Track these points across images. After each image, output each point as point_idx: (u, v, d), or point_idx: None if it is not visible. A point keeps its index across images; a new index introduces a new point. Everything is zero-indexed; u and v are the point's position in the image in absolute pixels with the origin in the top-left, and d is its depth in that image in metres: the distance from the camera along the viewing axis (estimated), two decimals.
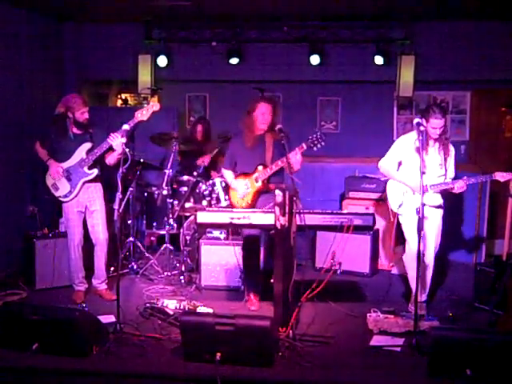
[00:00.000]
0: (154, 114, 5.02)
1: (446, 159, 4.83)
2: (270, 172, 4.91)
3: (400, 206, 4.97)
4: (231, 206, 5.18)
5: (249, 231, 5.05)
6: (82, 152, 5.15)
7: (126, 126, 4.80)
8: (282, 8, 6.70)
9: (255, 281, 5.17)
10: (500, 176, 4.77)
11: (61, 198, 5.20)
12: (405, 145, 4.94)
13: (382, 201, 6.15)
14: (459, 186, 4.75)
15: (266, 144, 4.98)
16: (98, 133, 5.19)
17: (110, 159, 5.12)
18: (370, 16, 7.10)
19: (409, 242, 4.96)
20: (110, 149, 5.01)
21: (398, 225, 5.09)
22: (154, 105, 4.97)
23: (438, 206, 4.84)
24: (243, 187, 5.03)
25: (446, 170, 4.85)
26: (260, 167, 4.97)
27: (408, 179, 4.91)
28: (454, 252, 6.61)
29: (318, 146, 4.70)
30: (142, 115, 4.91)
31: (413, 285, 4.88)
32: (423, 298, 5.02)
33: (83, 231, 5.32)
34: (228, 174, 5.17)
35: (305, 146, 4.69)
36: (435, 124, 4.66)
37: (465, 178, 4.79)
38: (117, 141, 4.87)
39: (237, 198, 5.07)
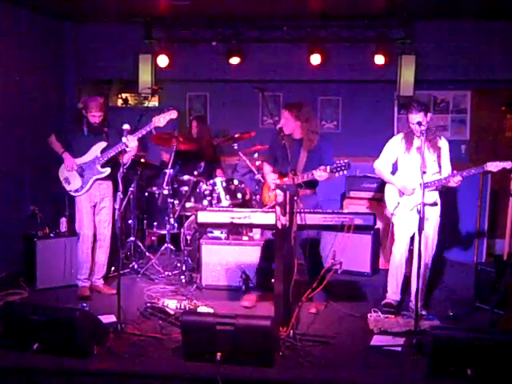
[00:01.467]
0: (155, 114, 5.10)
1: (439, 156, 4.83)
2: (295, 181, 4.72)
3: (396, 207, 4.97)
4: (262, 200, 5.26)
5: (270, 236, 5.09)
6: (96, 150, 5.26)
7: (126, 126, 4.82)
8: (282, 8, 6.69)
9: (263, 281, 5.21)
10: (492, 166, 4.66)
11: (71, 193, 5.34)
12: (394, 145, 4.96)
13: (382, 200, 6.15)
14: (456, 181, 4.70)
15: (301, 152, 4.97)
16: (112, 133, 5.28)
17: (125, 159, 5.16)
18: (370, 16, 7.10)
19: (396, 244, 4.99)
20: (124, 150, 5.05)
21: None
22: (172, 112, 5.08)
23: (433, 204, 4.82)
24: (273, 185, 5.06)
25: (440, 167, 4.84)
26: (290, 174, 4.92)
27: (397, 180, 4.92)
28: (455, 251, 6.61)
29: (341, 173, 4.63)
30: (159, 122, 5.04)
31: (389, 283, 5.07)
32: (397, 297, 5.06)
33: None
34: (266, 169, 5.23)
35: (328, 170, 4.63)
36: (411, 119, 4.71)
37: (455, 171, 4.77)
38: (133, 143, 4.96)
39: (267, 195, 5.15)
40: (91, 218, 5.38)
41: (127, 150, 4.95)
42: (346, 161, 4.56)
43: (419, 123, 4.59)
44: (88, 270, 5.41)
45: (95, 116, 5.18)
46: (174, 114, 5.08)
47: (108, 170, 5.28)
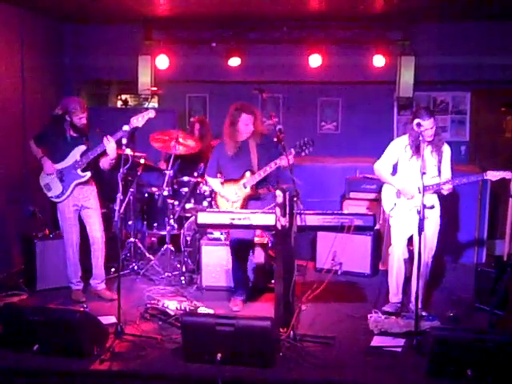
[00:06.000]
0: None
1: (440, 161, 4.83)
2: (259, 177, 4.94)
3: (392, 209, 4.96)
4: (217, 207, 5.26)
5: (237, 235, 5.11)
6: (76, 154, 5.17)
7: (126, 127, 4.80)
8: (282, 9, 6.70)
9: (243, 283, 5.26)
10: (492, 175, 4.66)
11: (53, 199, 5.25)
12: (398, 147, 4.95)
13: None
14: (447, 188, 4.73)
15: (250, 149, 5.01)
16: (94, 135, 5.19)
17: (104, 163, 5.17)
18: (369, 17, 7.10)
19: (393, 245, 4.99)
20: (104, 153, 5.04)
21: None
22: (149, 112, 4.96)
23: (431, 207, 4.81)
24: (232, 194, 5.06)
25: (439, 172, 4.84)
26: (248, 173, 5.00)
27: (397, 182, 4.92)
28: (455, 252, 6.60)
29: (306, 151, 4.74)
30: (137, 122, 4.91)
31: (390, 285, 5.04)
32: (398, 299, 5.04)
33: (79, 231, 5.34)
34: (214, 182, 5.18)
35: (293, 151, 4.72)
36: (426, 125, 4.65)
37: (450, 180, 4.74)
38: (111, 145, 4.92)
39: (226, 205, 5.09)
40: (75, 222, 5.28)
41: (107, 151, 4.93)
42: (306, 138, 4.66)
43: (418, 124, 4.56)
44: (78, 273, 5.35)
45: (82, 118, 5.07)
46: (151, 113, 4.95)
47: (88, 174, 5.20)
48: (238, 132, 4.99)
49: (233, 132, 5.00)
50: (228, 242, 5.57)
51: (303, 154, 4.73)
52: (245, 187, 5.02)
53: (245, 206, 5.04)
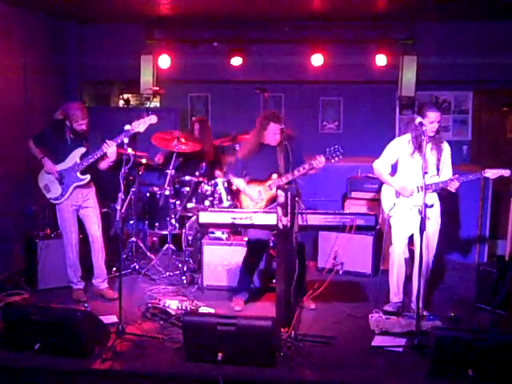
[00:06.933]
0: (156, 114, 5.07)
1: (439, 159, 4.82)
2: (286, 180, 4.91)
3: (391, 209, 4.96)
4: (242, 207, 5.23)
5: (255, 235, 5.09)
6: (75, 156, 5.16)
7: (127, 126, 4.80)
8: (284, 8, 6.70)
9: (247, 285, 5.25)
10: (490, 173, 4.67)
11: (52, 200, 5.25)
12: (397, 147, 4.94)
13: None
14: (454, 186, 4.72)
15: (278, 153, 5.02)
16: (94, 137, 5.18)
17: (103, 165, 5.17)
18: (371, 16, 7.10)
19: (394, 245, 4.98)
20: (104, 155, 5.04)
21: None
22: (151, 117, 4.94)
23: (431, 206, 4.79)
24: (256, 194, 5.06)
25: (438, 170, 4.83)
26: (274, 175, 5.00)
27: (394, 181, 4.91)
28: (457, 252, 6.60)
29: (336, 158, 4.80)
30: (138, 127, 4.89)
31: (390, 285, 5.04)
32: (399, 299, 5.02)
33: (79, 230, 5.35)
34: (239, 181, 5.16)
35: (323, 158, 4.76)
36: (433, 117, 4.64)
37: (456, 175, 4.76)
38: (111, 149, 4.92)
39: (250, 204, 5.09)
40: (74, 222, 5.30)
41: (108, 155, 4.95)
42: (336, 145, 4.78)
43: (420, 124, 4.55)
44: (78, 272, 5.36)
45: (82, 124, 5.06)
46: (153, 119, 4.93)
47: (88, 177, 5.19)
48: (265, 139, 5.01)
49: (260, 137, 5.02)
50: (230, 242, 5.60)
51: (333, 161, 4.78)
52: (270, 189, 5.02)
53: (268, 206, 5.02)
